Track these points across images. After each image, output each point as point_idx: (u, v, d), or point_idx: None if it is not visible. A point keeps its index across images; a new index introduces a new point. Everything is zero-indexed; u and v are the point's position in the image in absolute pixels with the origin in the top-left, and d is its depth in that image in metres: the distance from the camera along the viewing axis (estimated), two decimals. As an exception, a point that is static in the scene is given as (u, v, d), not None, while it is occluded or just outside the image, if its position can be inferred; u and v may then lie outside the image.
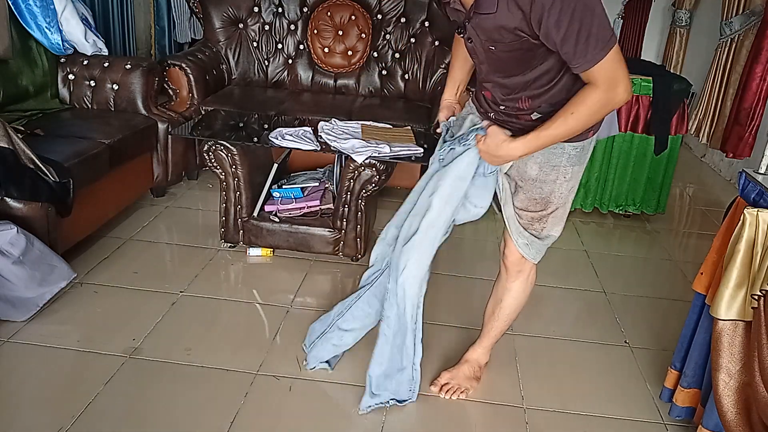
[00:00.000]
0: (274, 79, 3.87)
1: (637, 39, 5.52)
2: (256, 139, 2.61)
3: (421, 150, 2.46)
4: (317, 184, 2.93)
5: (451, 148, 1.74)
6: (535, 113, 1.61)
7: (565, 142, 1.62)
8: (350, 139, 2.51)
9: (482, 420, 1.87)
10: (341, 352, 2.05)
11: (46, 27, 2.93)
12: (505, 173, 1.74)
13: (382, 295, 1.89)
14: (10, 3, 2.83)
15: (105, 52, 3.24)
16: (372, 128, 2.69)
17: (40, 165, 2.24)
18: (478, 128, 1.68)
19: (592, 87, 1.45)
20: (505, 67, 1.57)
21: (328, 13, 3.74)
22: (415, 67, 3.73)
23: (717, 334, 1.60)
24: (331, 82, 3.83)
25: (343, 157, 2.60)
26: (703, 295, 1.73)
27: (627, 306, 2.58)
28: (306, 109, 3.38)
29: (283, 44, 3.85)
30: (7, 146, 2.16)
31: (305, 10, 3.80)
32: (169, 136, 3.17)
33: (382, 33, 3.77)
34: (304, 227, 2.68)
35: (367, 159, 2.46)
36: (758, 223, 1.50)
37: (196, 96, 3.45)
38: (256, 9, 3.80)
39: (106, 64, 3.15)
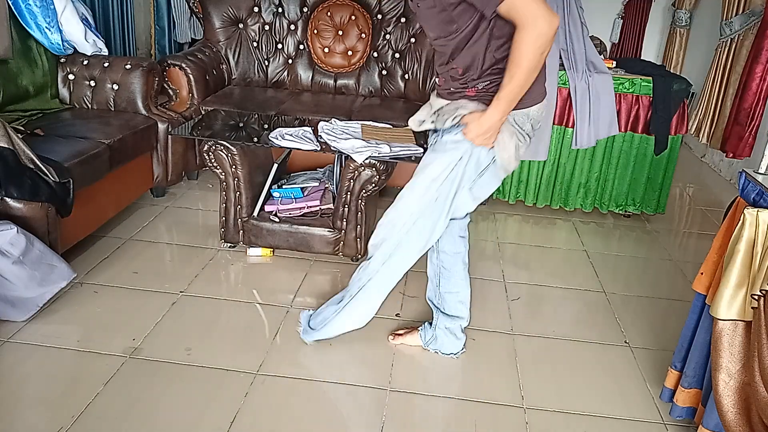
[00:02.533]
0: (274, 79, 3.87)
1: (637, 39, 5.51)
2: (256, 139, 2.61)
3: (421, 150, 2.46)
4: (317, 184, 2.93)
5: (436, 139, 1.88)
6: (475, 83, 1.72)
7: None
8: (350, 139, 2.51)
9: (482, 420, 1.87)
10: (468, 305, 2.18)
11: (46, 27, 2.93)
12: None
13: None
14: (10, 3, 2.83)
15: (105, 52, 3.24)
16: (372, 128, 2.69)
17: (40, 165, 2.24)
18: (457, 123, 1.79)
19: (517, 30, 1.55)
20: (433, 28, 1.71)
21: (328, 13, 3.74)
22: (415, 67, 3.73)
23: (717, 334, 1.60)
24: (331, 82, 3.83)
25: (343, 157, 2.60)
26: (704, 295, 1.73)
27: (627, 306, 2.58)
28: (306, 109, 3.38)
29: (283, 44, 3.85)
30: (7, 146, 2.16)
31: (305, 10, 3.80)
32: (169, 136, 3.17)
33: (382, 33, 3.77)
34: (304, 227, 2.68)
35: (367, 159, 2.46)
36: (758, 223, 1.50)
37: (196, 96, 3.46)
38: (256, 9, 3.80)
39: (106, 64, 3.15)
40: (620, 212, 3.47)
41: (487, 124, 1.69)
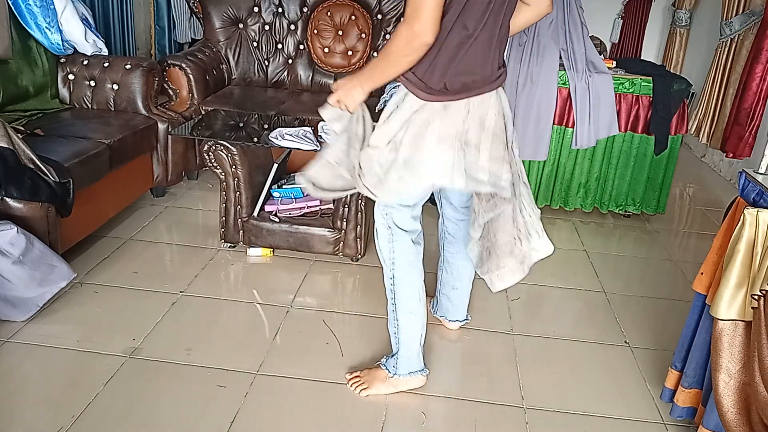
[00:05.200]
0: (274, 79, 3.87)
1: (637, 39, 5.52)
2: (256, 139, 2.61)
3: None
4: (317, 184, 2.92)
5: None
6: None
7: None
8: (350, 139, 2.51)
9: (482, 420, 1.87)
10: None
11: (46, 27, 2.93)
12: None
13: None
14: (10, 3, 2.83)
15: (105, 52, 3.24)
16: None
17: (40, 165, 2.24)
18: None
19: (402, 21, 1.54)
20: None
21: (328, 13, 3.74)
22: (415, 67, 3.73)
23: (717, 334, 1.60)
24: (331, 82, 3.83)
25: (343, 157, 2.59)
26: (704, 295, 1.73)
27: (627, 306, 2.58)
28: (306, 109, 3.38)
29: (283, 44, 3.85)
30: (7, 146, 2.16)
31: (305, 10, 3.80)
32: (169, 136, 3.17)
33: (382, 33, 3.77)
34: (304, 227, 2.68)
35: (367, 159, 2.46)
36: (758, 223, 1.50)
37: (196, 96, 3.46)
38: (256, 9, 3.80)
39: (106, 64, 3.15)
40: (620, 212, 3.47)
41: (342, 85, 1.69)
